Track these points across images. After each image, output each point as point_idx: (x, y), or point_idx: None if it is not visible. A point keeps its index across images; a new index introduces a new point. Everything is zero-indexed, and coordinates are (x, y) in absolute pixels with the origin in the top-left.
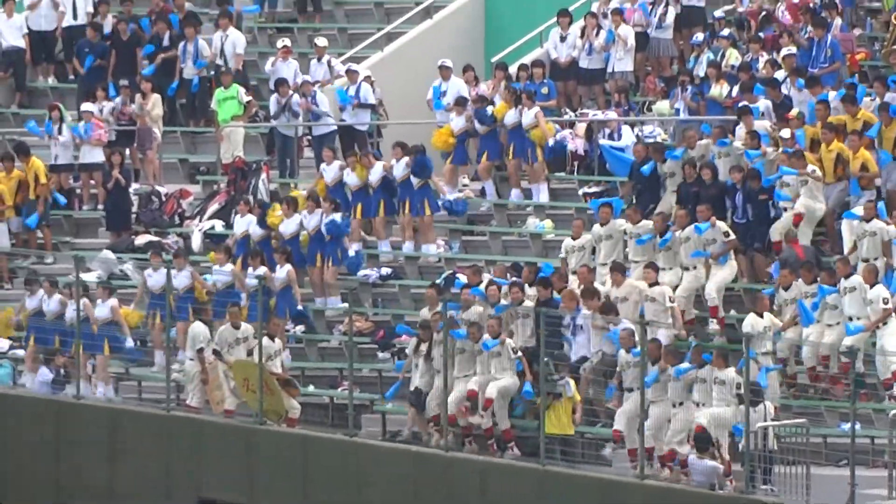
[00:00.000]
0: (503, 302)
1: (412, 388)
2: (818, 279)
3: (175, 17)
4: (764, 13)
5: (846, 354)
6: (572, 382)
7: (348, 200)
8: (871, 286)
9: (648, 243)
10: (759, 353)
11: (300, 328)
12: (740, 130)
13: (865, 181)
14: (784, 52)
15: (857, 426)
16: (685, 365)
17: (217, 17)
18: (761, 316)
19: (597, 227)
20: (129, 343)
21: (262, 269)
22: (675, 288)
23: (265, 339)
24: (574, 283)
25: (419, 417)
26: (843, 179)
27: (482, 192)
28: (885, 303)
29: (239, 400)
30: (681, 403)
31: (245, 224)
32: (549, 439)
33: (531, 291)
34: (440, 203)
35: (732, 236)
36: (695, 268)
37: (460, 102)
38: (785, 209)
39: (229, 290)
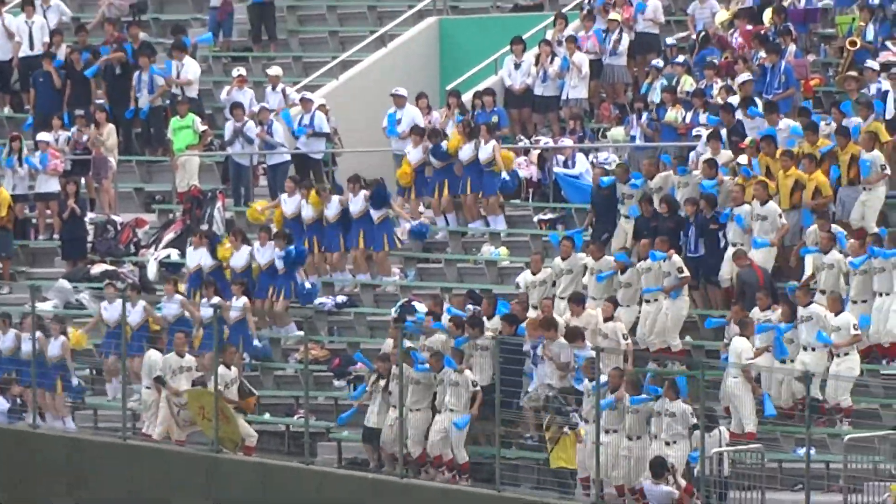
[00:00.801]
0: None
1: (367, 424)
2: (771, 308)
3: (129, 46)
4: (715, 38)
5: (800, 380)
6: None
7: (303, 232)
8: (837, 314)
9: (608, 280)
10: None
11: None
12: (700, 158)
13: (819, 206)
14: (740, 78)
15: (812, 451)
16: (643, 396)
17: (171, 48)
18: (748, 338)
19: (557, 260)
20: (75, 381)
21: (216, 299)
22: (634, 325)
23: (221, 368)
24: (533, 316)
25: (374, 453)
26: (800, 208)
27: (444, 220)
28: (856, 329)
29: (186, 430)
30: (638, 437)
31: (198, 257)
32: (554, 471)
33: (490, 324)
34: (404, 228)
35: (686, 273)
36: (656, 300)
37: (416, 132)
38: (734, 244)
39: (182, 321)
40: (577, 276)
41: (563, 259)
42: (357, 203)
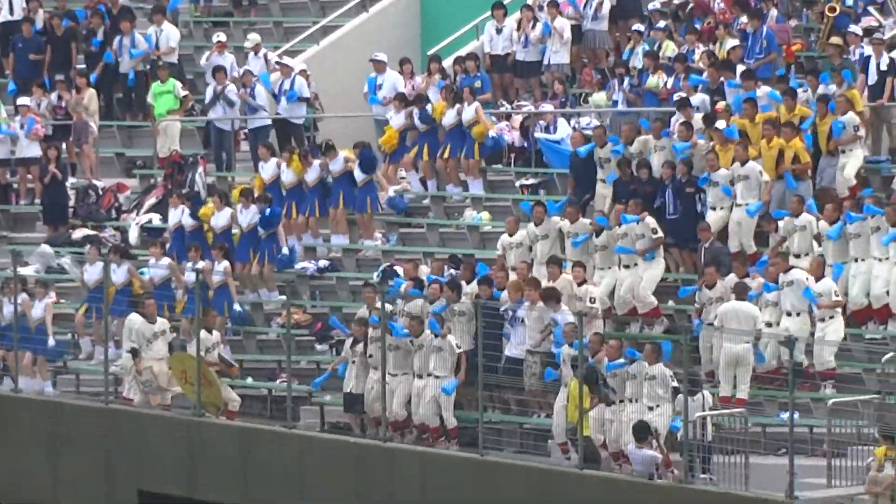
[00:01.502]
0: (441, 301)
1: (346, 392)
2: (750, 276)
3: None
4: (697, 3)
5: (784, 344)
6: None
7: (282, 198)
8: (818, 280)
9: (584, 244)
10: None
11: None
12: (676, 123)
13: (798, 172)
14: (728, 44)
15: (796, 415)
16: (620, 360)
17: (151, 13)
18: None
19: (531, 226)
20: (51, 342)
21: (202, 264)
22: (613, 289)
23: (203, 332)
24: (514, 278)
25: (356, 419)
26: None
27: (423, 184)
28: (836, 294)
29: (156, 399)
30: (620, 401)
31: (178, 215)
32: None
33: (469, 289)
34: (383, 201)
35: (660, 234)
36: (636, 265)
37: (399, 98)
38: (713, 208)
39: (166, 284)
40: (554, 241)
41: (537, 225)
42: (337, 163)
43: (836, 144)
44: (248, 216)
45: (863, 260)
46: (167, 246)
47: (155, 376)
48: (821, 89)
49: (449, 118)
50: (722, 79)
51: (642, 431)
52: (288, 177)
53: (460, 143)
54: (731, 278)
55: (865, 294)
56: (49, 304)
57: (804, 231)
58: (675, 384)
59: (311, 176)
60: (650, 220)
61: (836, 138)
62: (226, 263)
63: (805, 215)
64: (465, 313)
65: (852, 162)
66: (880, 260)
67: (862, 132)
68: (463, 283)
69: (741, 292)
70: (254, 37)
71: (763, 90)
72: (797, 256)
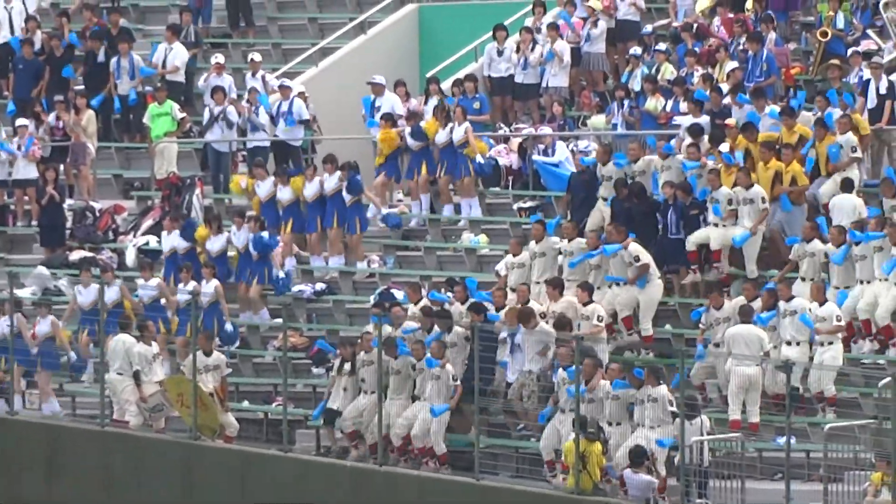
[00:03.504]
0: (436, 330)
1: (332, 408)
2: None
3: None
4: (697, 27)
5: (781, 369)
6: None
7: (279, 216)
8: (821, 304)
9: (581, 265)
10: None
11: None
12: (684, 142)
13: (795, 195)
14: (728, 66)
15: (793, 440)
16: (621, 382)
17: (167, 29)
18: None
19: (532, 243)
20: (73, 356)
21: (193, 284)
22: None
23: (200, 354)
24: (513, 299)
25: (331, 433)
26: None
27: (418, 207)
28: (839, 319)
29: (158, 422)
30: (618, 423)
31: (172, 241)
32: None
33: (460, 308)
34: (378, 217)
35: (644, 261)
36: (625, 283)
37: (387, 119)
38: (716, 224)
39: (156, 306)
40: (552, 260)
41: (536, 242)
42: (331, 181)
43: (833, 168)
44: (242, 237)
45: (868, 282)
46: (162, 271)
47: (168, 401)
48: (828, 110)
49: (441, 137)
50: (727, 100)
51: (639, 456)
52: (285, 194)
53: (453, 162)
54: (739, 300)
55: (871, 312)
56: (54, 320)
57: (813, 258)
58: (674, 409)
59: (311, 192)
60: (633, 248)
61: (832, 163)
62: (216, 282)
63: (816, 242)
64: (457, 344)
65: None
66: (882, 281)
67: (860, 153)
68: (458, 303)
69: (746, 315)
70: (257, 56)
71: (769, 109)
72: (803, 280)
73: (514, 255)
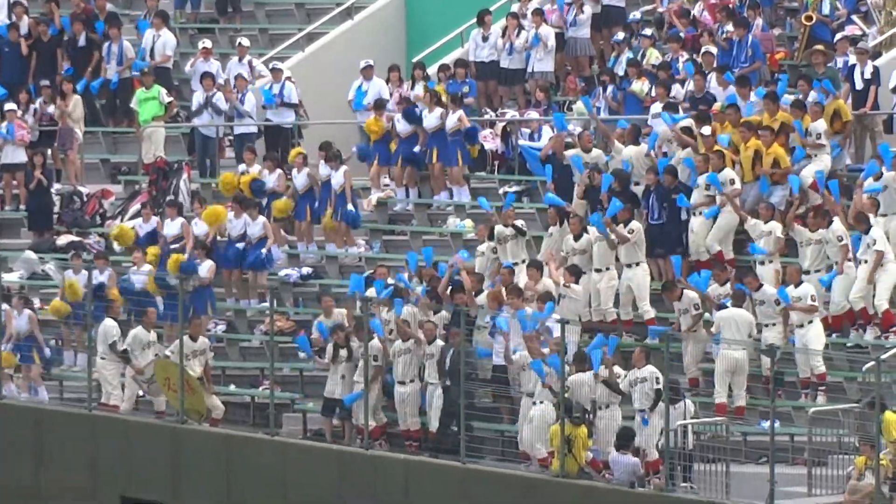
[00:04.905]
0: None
1: (329, 396)
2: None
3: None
4: (683, 13)
5: (765, 353)
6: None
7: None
8: (797, 286)
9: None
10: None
11: (221, 327)
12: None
13: (778, 176)
14: (703, 49)
15: (777, 424)
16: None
17: (152, 17)
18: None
19: (500, 227)
20: (47, 352)
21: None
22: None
23: (187, 339)
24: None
25: (327, 423)
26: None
27: (405, 193)
28: (813, 299)
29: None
30: (607, 406)
31: (176, 227)
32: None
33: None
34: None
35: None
36: (608, 269)
37: (379, 105)
38: (693, 213)
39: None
40: (521, 240)
41: (506, 226)
42: (326, 169)
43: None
44: (238, 225)
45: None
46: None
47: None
48: (812, 96)
49: (431, 121)
50: (713, 85)
51: (626, 438)
52: (270, 182)
53: (443, 149)
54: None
55: (846, 297)
56: (32, 315)
57: (769, 236)
58: (660, 387)
59: (300, 182)
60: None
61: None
62: (210, 263)
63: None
64: (434, 355)
65: (812, 167)
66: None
67: (824, 140)
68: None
69: (739, 299)
70: (245, 41)
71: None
72: (762, 264)
73: (486, 240)
